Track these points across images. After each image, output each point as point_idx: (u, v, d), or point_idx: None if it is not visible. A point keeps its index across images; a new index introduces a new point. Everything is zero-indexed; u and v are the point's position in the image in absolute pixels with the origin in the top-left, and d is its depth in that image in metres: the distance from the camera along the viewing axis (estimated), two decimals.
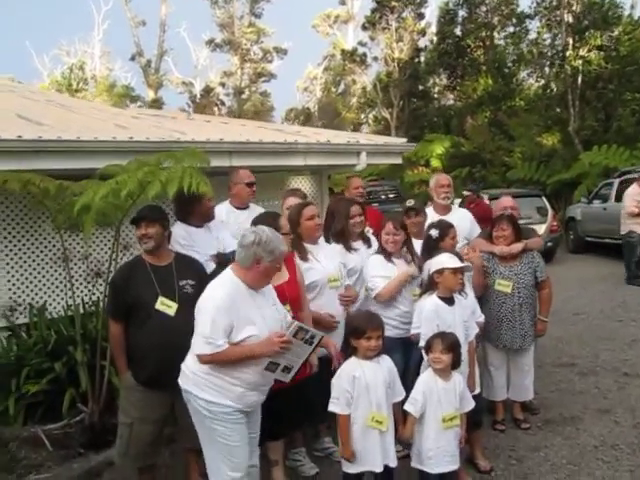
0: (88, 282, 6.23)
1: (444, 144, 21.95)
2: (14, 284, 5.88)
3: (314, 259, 4.32)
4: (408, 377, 4.04)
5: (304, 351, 3.32)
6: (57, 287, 6.09)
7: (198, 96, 36.08)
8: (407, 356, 4.37)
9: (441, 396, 3.60)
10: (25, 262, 5.94)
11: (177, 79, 37.23)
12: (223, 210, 5.04)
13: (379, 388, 3.46)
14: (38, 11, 56.41)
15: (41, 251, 6.01)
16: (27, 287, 5.95)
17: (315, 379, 3.82)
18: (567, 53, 20.34)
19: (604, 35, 20.36)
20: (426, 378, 3.69)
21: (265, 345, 3.22)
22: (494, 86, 23.40)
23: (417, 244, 4.71)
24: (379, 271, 4.41)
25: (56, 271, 6.08)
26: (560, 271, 11.13)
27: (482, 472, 4.24)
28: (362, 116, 34.18)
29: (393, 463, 3.51)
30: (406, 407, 3.59)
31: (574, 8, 20.47)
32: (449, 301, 4.03)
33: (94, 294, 6.03)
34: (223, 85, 37.14)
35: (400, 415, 3.62)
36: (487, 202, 12.82)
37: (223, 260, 4.35)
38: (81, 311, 5.45)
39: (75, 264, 6.17)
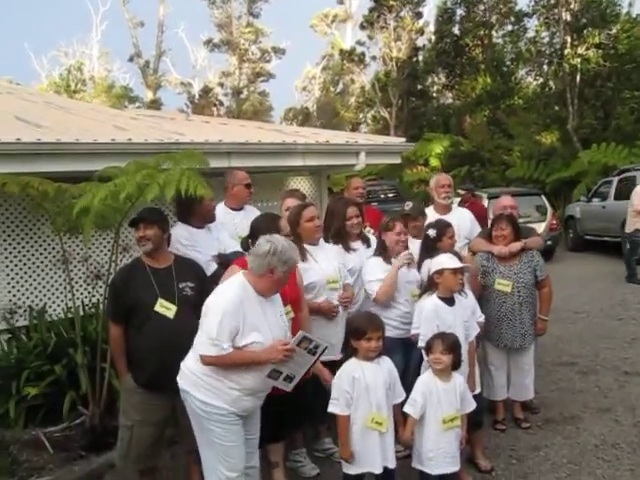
0: (88, 284, 6.23)
1: (443, 143, 21.95)
2: (14, 287, 5.88)
3: (313, 260, 4.32)
4: (408, 377, 4.03)
5: (307, 361, 3.31)
6: (57, 289, 6.09)
7: (197, 96, 36.07)
8: (407, 356, 4.37)
9: (441, 397, 3.60)
10: (25, 265, 5.94)
11: (175, 80, 37.21)
12: (219, 211, 5.02)
13: (379, 389, 3.46)
14: (36, 12, 56.33)
15: (41, 253, 6.01)
16: (27, 290, 5.95)
17: (315, 381, 3.82)
18: (565, 51, 20.34)
19: (602, 33, 20.35)
20: (425, 379, 3.69)
21: (269, 352, 3.23)
22: (493, 85, 23.41)
23: (417, 244, 4.73)
24: (376, 274, 4.40)
25: (56, 273, 6.08)
26: (559, 269, 11.14)
27: (483, 472, 4.24)
28: (361, 115, 34.16)
29: (392, 465, 3.51)
30: (405, 409, 3.59)
31: (572, 6, 20.45)
32: (449, 301, 4.03)
33: (94, 296, 6.04)
34: (222, 85, 37.11)
35: (400, 416, 3.62)
36: (483, 201, 12.89)
37: (224, 261, 4.36)
38: (81, 313, 5.44)
39: (75, 266, 6.17)
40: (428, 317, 3.98)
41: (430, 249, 4.57)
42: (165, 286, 3.78)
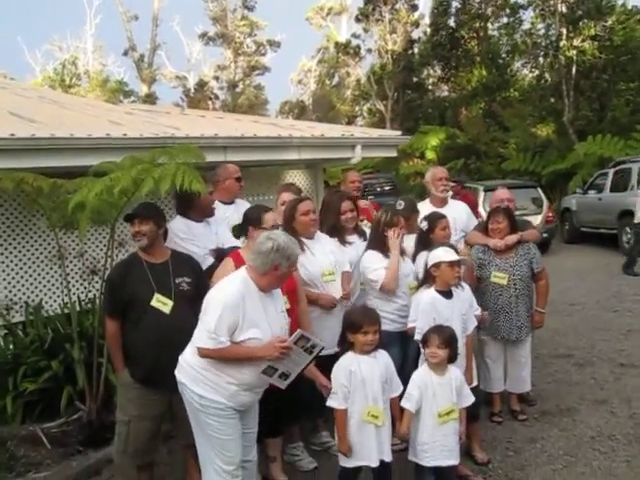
0: (84, 280, 6.22)
1: (439, 136, 21.95)
2: (10, 282, 5.87)
3: (309, 252, 4.31)
4: (406, 370, 4.04)
5: (303, 359, 3.31)
6: (53, 285, 6.08)
7: (192, 90, 35.95)
8: (405, 349, 4.38)
9: (436, 390, 3.61)
10: (20, 260, 5.93)
11: (170, 73, 37.07)
12: None
13: (375, 383, 3.47)
14: (29, 6, 56.06)
15: (36, 249, 6.00)
16: (23, 285, 5.94)
17: None
18: (561, 43, 20.34)
19: (598, 25, 20.36)
20: (421, 373, 3.69)
21: (266, 348, 3.23)
22: (488, 77, 23.40)
23: (410, 239, 4.74)
24: (379, 264, 4.40)
25: (52, 269, 6.07)
26: (555, 262, 11.16)
27: (480, 464, 4.26)
28: (356, 108, 34.14)
29: (388, 458, 3.52)
30: (402, 403, 3.60)
31: None
32: (447, 294, 4.03)
33: (90, 291, 6.03)
34: (217, 79, 36.99)
35: (398, 410, 3.63)
36: (480, 193, 12.91)
37: (221, 255, 4.35)
38: (77, 309, 5.43)
39: (70, 262, 6.16)
40: (425, 310, 3.98)
41: (424, 241, 4.61)
42: (162, 281, 3.77)
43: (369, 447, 3.47)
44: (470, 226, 5.51)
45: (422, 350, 3.80)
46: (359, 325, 3.49)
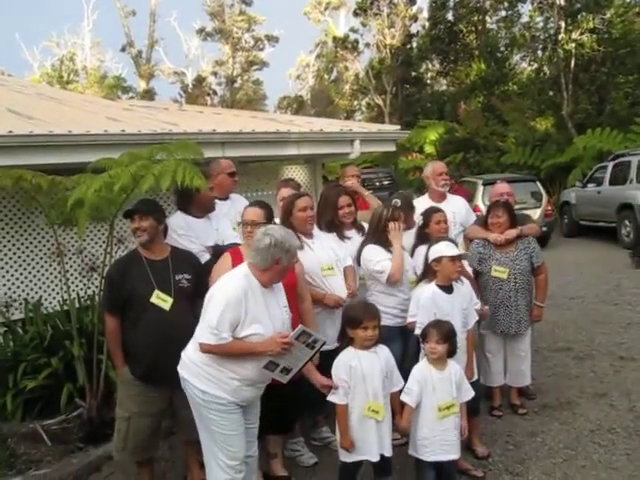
0: (83, 276, 6.22)
1: (438, 130, 21.94)
2: (9, 280, 5.86)
3: (307, 248, 4.30)
4: (406, 364, 4.04)
5: (305, 354, 3.31)
6: (52, 282, 6.08)
7: (190, 86, 35.92)
8: (406, 344, 4.38)
9: (436, 385, 3.61)
10: (19, 258, 5.92)
11: (169, 69, 37.05)
12: None
13: (376, 378, 3.47)
14: (27, 3, 55.89)
15: (35, 246, 5.99)
16: (22, 282, 5.93)
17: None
18: (559, 36, 20.28)
19: (596, 18, 20.29)
20: (421, 367, 3.69)
21: (267, 344, 3.23)
22: (487, 71, 23.37)
23: (408, 235, 4.74)
24: (384, 256, 4.39)
25: (51, 266, 6.06)
26: (555, 255, 11.15)
27: (480, 458, 4.26)
28: (355, 103, 34.09)
29: (388, 452, 3.53)
30: (402, 397, 3.60)
31: None
32: (448, 289, 4.03)
33: (89, 288, 6.03)
34: (215, 74, 36.98)
35: (398, 404, 3.63)
36: (478, 187, 12.90)
37: (219, 252, 4.34)
38: (77, 305, 5.43)
39: (70, 259, 6.15)
40: (426, 305, 3.98)
41: (421, 236, 4.63)
42: (161, 278, 3.77)
43: (370, 442, 3.47)
44: (469, 220, 5.50)
45: (422, 345, 3.80)
46: (359, 320, 3.49)
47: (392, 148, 9.40)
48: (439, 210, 4.75)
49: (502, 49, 25.10)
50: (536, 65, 24.11)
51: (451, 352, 3.68)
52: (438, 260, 3.99)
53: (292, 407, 3.95)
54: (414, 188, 17.23)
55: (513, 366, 5.04)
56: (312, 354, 3.33)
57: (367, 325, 3.47)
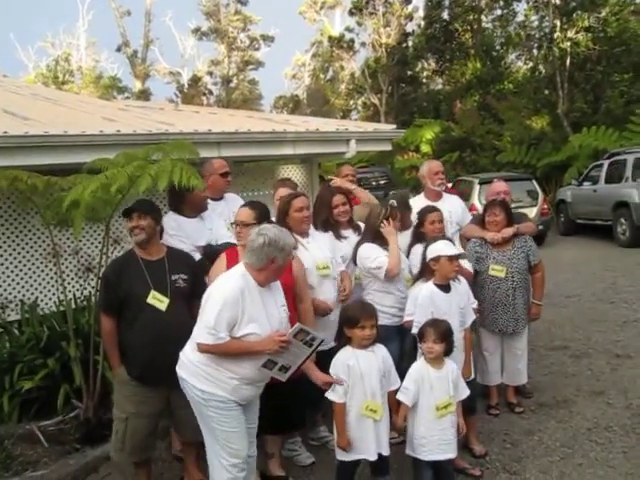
0: (79, 277, 6.21)
1: (434, 129, 21.97)
2: (4, 281, 5.85)
3: (302, 247, 4.29)
4: (403, 363, 4.04)
5: (303, 352, 3.31)
6: (48, 283, 6.07)
7: (186, 86, 35.89)
8: (403, 343, 4.38)
9: (433, 384, 3.61)
10: (15, 259, 5.91)
11: (164, 69, 37.00)
12: None
13: (373, 377, 3.47)
14: (21, 3, 55.75)
15: (31, 247, 5.98)
16: (18, 284, 5.92)
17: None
18: (555, 35, 20.32)
19: (592, 16, 20.35)
20: (418, 367, 3.69)
21: (265, 343, 3.23)
22: (482, 70, 23.40)
23: (404, 235, 4.74)
24: (380, 253, 4.38)
25: (47, 267, 6.05)
26: (551, 254, 11.17)
27: (477, 457, 4.26)
28: (351, 102, 34.10)
29: (386, 451, 3.53)
30: (398, 396, 3.60)
31: None
32: (445, 288, 4.02)
33: (85, 289, 6.02)
34: (211, 74, 36.95)
35: (395, 403, 3.63)
36: (474, 186, 12.91)
37: (209, 252, 4.33)
38: (73, 306, 5.42)
39: (65, 259, 6.15)
40: (423, 304, 3.98)
41: (416, 235, 4.65)
42: (158, 278, 3.76)
43: (367, 441, 3.47)
44: (465, 219, 5.50)
45: (419, 344, 3.80)
46: (356, 320, 3.49)
47: (388, 147, 9.40)
48: (434, 210, 4.72)
49: (498, 48, 25.15)
50: (531, 64, 24.16)
51: (448, 351, 3.68)
52: (436, 259, 3.99)
53: (293, 405, 3.93)
54: (410, 187, 17.26)
55: (510, 365, 5.04)
56: (310, 352, 3.33)
57: (364, 324, 3.48)
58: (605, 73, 19.82)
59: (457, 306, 4.05)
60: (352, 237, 4.74)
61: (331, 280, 4.35)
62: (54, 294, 6.00)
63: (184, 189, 4.15)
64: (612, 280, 9.46)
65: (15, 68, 47.89)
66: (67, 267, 6.15)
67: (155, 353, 3.59)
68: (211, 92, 36.54)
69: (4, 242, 5.83)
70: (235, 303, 3.20)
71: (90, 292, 5.66)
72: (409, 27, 27.41)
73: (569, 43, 20.01)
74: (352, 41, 29.09)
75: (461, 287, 4.18)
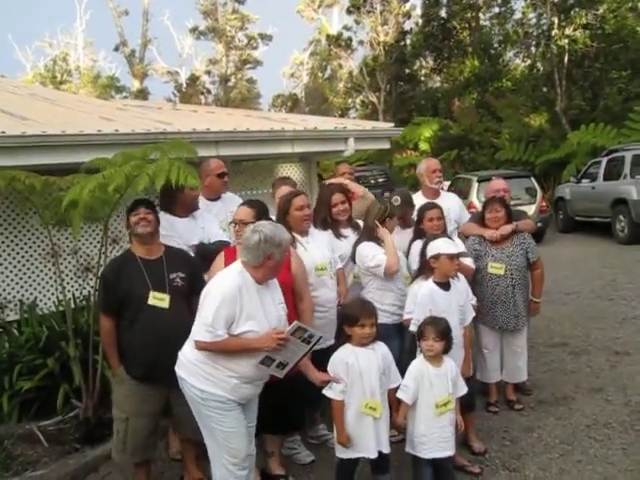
0: (78, 277, 6.21)
1: (432, 127, 21.96)
2: (3, 281, 5.85)
3: (302, 247, 4.29)
4: (403, 360, 4.04)
5: (300, 349, 3.31)
6: (47, 283, 6.07)
7: (184, 85, 35.85)
8: (403, 340, 4.38)
9: (433, 381, 3.61)
10: (14, 259, 5.91)
11: (162, 68, 36.94)
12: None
13: (373, 375, 3.47)
14: (19, 3, 55.65)
15: (30, 247, 5.98)
16: (17, 284, 5.92)
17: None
18: (553, 32, 20.31)
19: (589, 13, 20.32)
20: (418, 364, 3.69)
21: (263, 340, 3.23)
22: (480, 67, 23.40)
23: (406, 233, 4.74)
24: (378, 250, 4.38)
25: (45, 267, 6.05)
26: (550, 251, 11.18)
27: (476, 454, 4.26)
28: (349, 101, 34.10)
29: (386, 449, 3.53)
30: (398, 394, 3.60)
31: None
32: (445, 286, 4.02)
33: (84, 288, 6.02)
34: (209, 73, 36.91)
35: (395, 401, 3.63)
36: (473, 184, 12.90)
37: (201, 250, 4.32)
38: (72, 306, 5.42)
39: (64, 259, 6.14)
40: (422, 302, 3.97)
41: (416, 232, 4.65)
42: (156, 277, 3.76)
43: (367, 439, 3.47)
44: (463, 217, 5.50)
45: (417, 342, 3.80)
46: (356, 318, 3.49)
47: (386, 145, 9.42)
48: (433, 207, 4.71)
49: (495, 46, 25.13)
50: (529, 61, 24.16)
51: (447, 349, 3.68)
52: (436, 257, 3.99)
53: (291, 404, 3.93)
54: (408, 185, 17.24)
55: (509, 362, 5.04)
56: (308, 349, 3.33)
57: (364, 323, 3.47)
58: (603, 70, 19.80)
59: (457, 304, 4.05)
60: (351, 236, 4.73)
61: (329, 280, 4.34)
62: (53, 294, 6.00)
63: (175, 189, 4.13)
64: (611, 277, 9.47)
65: (13, 68, 47.84)
66: (66, 267, 6.15)
67: (157, 353, 3.59)
68: (209, 91, 36.54)
69: (3, 242, 5.83)
70: (233, 300, 3.20)
71: (89, 292, 5.66)
72: (407, 25, 27.44)
73: (567, 40, 19.99)
74: (350, 39, 29.07)
75: (460, 285, 4.18)
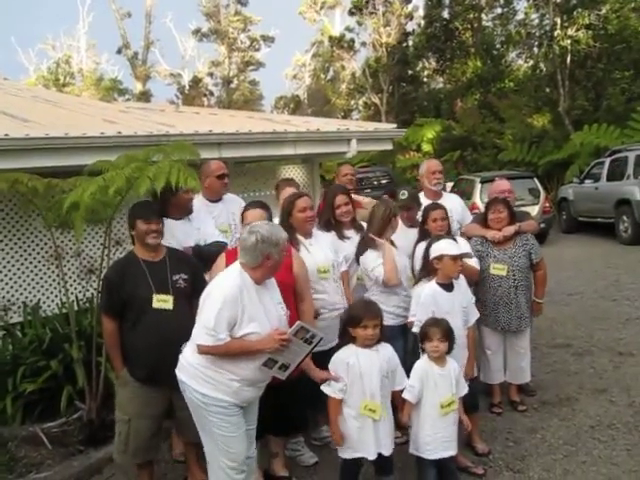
0: (81, 279, 6.21)
1: (435, 128, 21.94)
2: (7, 283, 5.86)
3: (305, 249, 4.29)
4: (407, 361, 4.03)
5: (302, 350, 3.31)
6: (50, 285, 6.08)
7: (187, 87, 35.90)
8: (407, 341, 4.37)
9: (437, 381, 3.61)
10: (17, 261, 5.92)
11: (165, 70, 37.01)
12: (197, 203, 4.94)
13: (374, 377, 3.46)
14: (22, 6, 55.82)
15: (33, 249, 5.99)
16: (20, 286, 5.93)
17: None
18: (555, 33, 20.30)
19: (592, 14, 20.32)
20: (422, 364, 3.69)
21: (265, 341, 3.22)
22: (483, 68, 23.39)
23: (411, 233, 4.73)
24: (377, 261, 4.37)
25: (49, 269, 6.06)
26: (553, 252, 11.16)
27: (480, 455, 4.26)
28: (352, 102, 34.08)
29: (387, 452, 3.52)
30: (404, 395, 3.60)
31: None
32: (448, 287, 4.02)
33: (88, 290, 6.02)
34: (211, 75, 36.96)
35: (400, 402, 3.63)
36: (476, 185, 12.88)
37: (198, 252, 4.32)
38: (75, 308, 5.42)
39: (68, 261, 6.15)
40: (425, 303, 3.97)
41: (421, 232, 4.65)
42: (159, 279, 3.76)
43: (367, 441, 3.47)
44: (465, 218, 5.50)
45: (419, 344, 3.79)
46: (359, 319, 3.49)
47: (389, 147, 9.41)
48: (437, 207, 4.70)
49: (498, 46, 25.12)
50: (532, 62, 24.14)
51: (450, 349, 3.68)
52: (439, 258, 3.98)
53: (292, 405, 3.92)
54: (411, 187, 17.23)
55: (513, 363, 5.03)
56: (310, 349, 3.33)
57: (367, 324, 3.46)
58: (606, 70, 19.78)
59: (460, 305, 4.05)
60: (355, 237, 4.72)
61: (332, 282, 4.34)
62: (56, 296, 6.00)
63: (167, 191, 4.11)
64: (614, 278, 9.45)
65: (16, 71, 48.02)
66: (69, 269, 6.16)
67: (160, 355, 3.59)
68: (212, 93, 36.57)
69: (6, 244, 5.84)
70: (234, 302, 3.18)
71: (92, 294, 5.67)
72: (409, 26, 27.43)
73: (569, 41, 19.99)
74: (352, 41, 29.10)
75: (464, 285, 4.17)
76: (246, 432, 3.41)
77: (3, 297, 5.81)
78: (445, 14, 25.56)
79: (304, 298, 4.00)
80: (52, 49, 35.10)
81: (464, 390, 3.79)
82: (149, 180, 3.98)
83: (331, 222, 4.67)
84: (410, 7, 27.41)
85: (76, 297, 5.78)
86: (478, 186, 12.81)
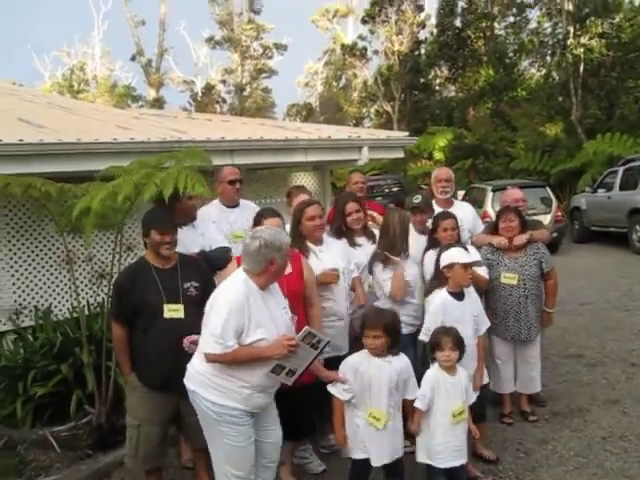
0: (92, 284, 6.25)
1: (447, 136, 21.91)
2: (19, 287, 5.90)
3: (314, 255, 4.29)
4: (417, 370, 4.01)
5: (309, 355, 3.31)
6: (62, 289, 6.11)
7: (199, 94, 36.08)
8: (416, 349, 4.36)
9: (449, 390, 3.60)
10: (30, 265, 5.96)
11: (178, 78, 37.23)
12: (213, 209, 4.95)
13: (382, 387, 3.45)
14: (38, 13, 56.38)
15: (45, 254, 6.03)
16: (32, 290, 5.97)
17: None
18: (568, 41, 20.25)
19: (605, 22, 20.24)
20: (434, 373, 3.67)
21: (274, 348, 3.20)
22: (495, 77, 23.36)
23: (421, 240, 4.71)
24: (386, 275, 4.36)
25: (60, 273, 6.09)
26: (565, 261, 11.10)
27: (488, 461, 4.22)
28: (364, 110, 34.11)
29: (388, 460, 3.51)
30: (416, 404, 3.59)
31: None
32: (458, 296, 4.00)
33: (99, 295, 6.05)
34: (224, 82, 37.13)
35: (411, 411, 3.62)
36: (487, 194, 12.83)
37: (203, 258, 4.32)
38: (86, 313, 5.45)
39: (79, 266, 6.18)
40: (435, 311, 3.96)
41: (431, 240, 4.62)
42: (170, 287, 3.75)
43: (371, 447, 3.48)
44: (477, 227, 5.46)
45: (429, 353, 3.77)
46: (363, 327, 3.52)
47: (400, 155, 9.41)
48: (448, 217, 4.65)
49: (510, 55, 25.09)
50: (545, 70, 24.08)
51: (460, 357, 3.67)
52: (450, 266, 3.96)
53: (298, 410, 3.91)
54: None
55: (523, 373, 5.00)
56: (316, 354, 3.33)
57: (367, 334, 3.48)
58: (619, 79, 19.70)
59: (470, 314, 4.03)
60: (366, 244, 4.72)
61: (342, 289, 4.33)
62: (68, 300, 6.03)
63: (170, 198, 4.09)
64: (627, 287, 9.37)
65: (31, 77, 48.54)
66: (81, 274, 6.20)
67: (170, 363, 3.59)
68: (224, 100, 36.72)
69: (19, 249, 5.88)
70: (241, 309, 3.16)
71: (103, 299, 5.69)
72: (422, 35, 27.47)
73: (582, 49, 19.93)
74: (365, 49, 29.14)
75: (474, 294, 4.15)
76: (269, 433, 3.44)
77: (15, 301, 5.84)
78: (457, 22, 25.60)
79: (312, 304, 4.02)
80: (67, 56, 35.43)
81: (472, 398, 3.78)
82: (156, 187, 3.98)
83: (342, 229, 4.67)
84: (422, 15, 27.50)
85: (87, 302, 5.81)
86: (490, 195, 12.77)
